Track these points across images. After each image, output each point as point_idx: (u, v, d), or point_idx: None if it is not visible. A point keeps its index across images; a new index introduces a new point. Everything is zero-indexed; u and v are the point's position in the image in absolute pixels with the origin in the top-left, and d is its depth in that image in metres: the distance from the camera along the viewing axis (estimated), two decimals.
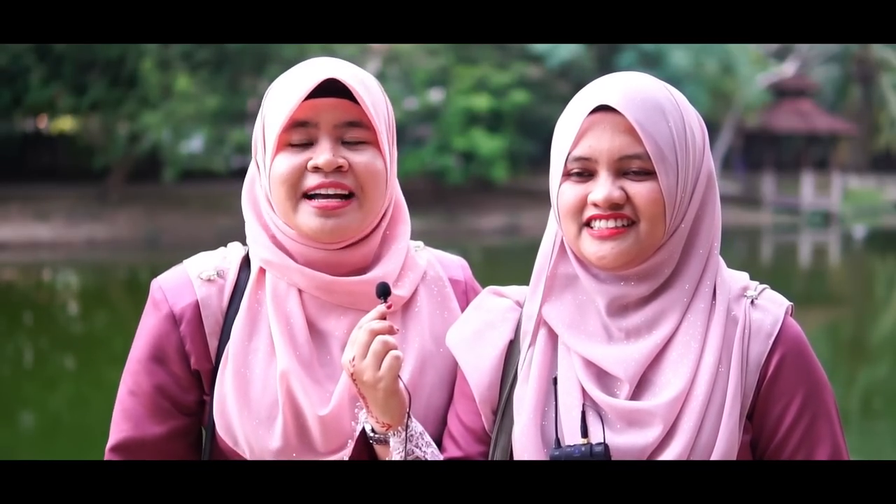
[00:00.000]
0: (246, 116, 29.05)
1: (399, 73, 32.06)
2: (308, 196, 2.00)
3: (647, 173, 1.85)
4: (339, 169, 1.99)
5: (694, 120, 1.91)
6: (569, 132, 1.88)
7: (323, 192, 1.99)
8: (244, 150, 30.38)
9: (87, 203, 28.37)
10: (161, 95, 27.44)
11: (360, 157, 2.01)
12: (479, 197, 33.80)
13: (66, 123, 32.71)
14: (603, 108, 1.86)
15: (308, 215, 2.00)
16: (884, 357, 14.16)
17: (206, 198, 28.87)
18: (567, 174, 1.89)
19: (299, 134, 1.99)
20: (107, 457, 2.07)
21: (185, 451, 2.08)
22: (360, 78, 2.02)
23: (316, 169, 1.99)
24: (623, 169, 1.86)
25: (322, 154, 1.98)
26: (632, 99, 1.85)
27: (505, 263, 19.86)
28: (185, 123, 27.91)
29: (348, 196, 2.01)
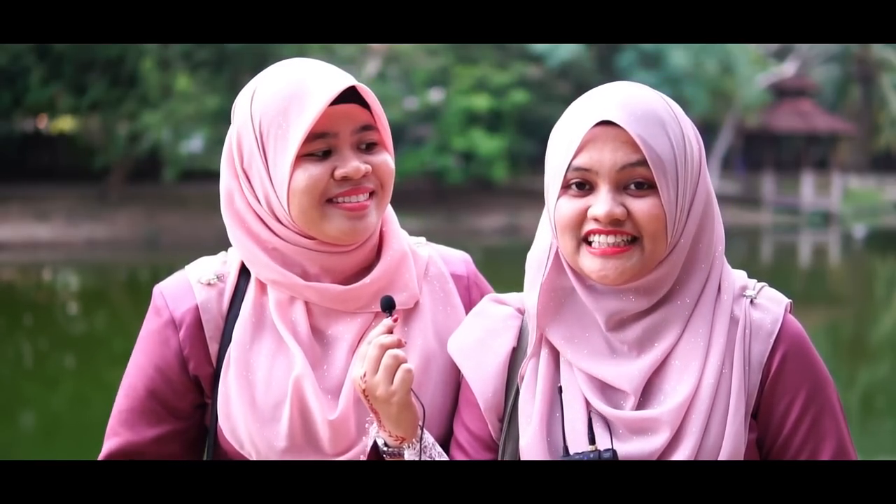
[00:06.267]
0: None
1: (399, 73, 32.06)
2: (330, 200, 2.00)
3: (648, 188, 1.84)
4: (364, 174, 2.00)
5: (691, 133, 1.90)
6: (569, 144, 1.86)
7: (354, 198, 2.00)
8: None
9: (87, 203, 28.37)
10: (161, 95, 27.44)
11: (377, 158, 2.03)
12: (479, 197, 33.80)
13: (66, 123, 32.71)
14: (603, 123, 1.84)
15: (338, 219, 2.00)
16: (884, 357, 14.16)
17: (206, 198, 28.84)
18: (566, 187, 1.87)
19: (319, 146, 1.98)
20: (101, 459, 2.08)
21: (181, 453, 2.08)
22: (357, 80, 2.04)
23: (344, 178, 1.98)
24: (624, 182, 1.84)
25: (350, 163, 1.98)
26: (632, 112, 1.83)
27: (505, 263, 19.81)
28: (185, 123, 27.92)
29: (370, 194, 2.03)
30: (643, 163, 1.82)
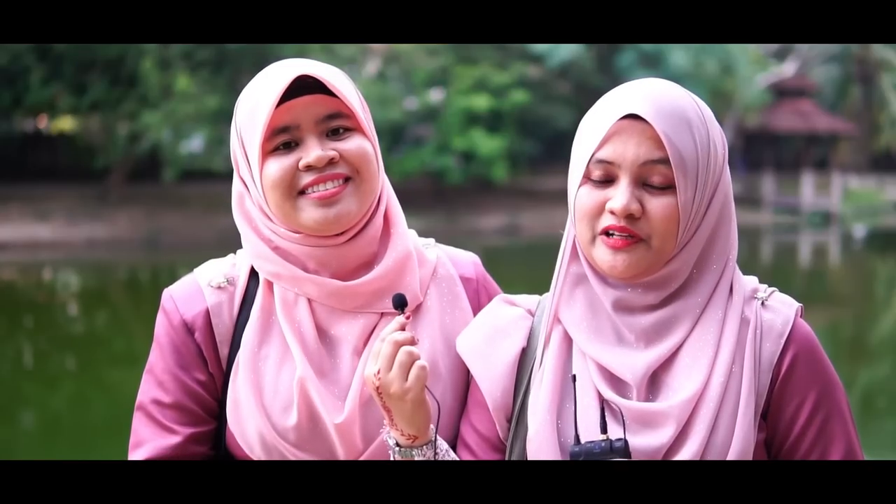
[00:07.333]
0: None
1: (399, 73, 32.05)
2: (303, 192, 2.00)
3: (666, 187, 1.85)
4: (331, 161, 2.00)
5: (717, 136, 1.92)
6: (594, 135, 1.88)
7: (322, 187, 2.00)
8: None
9: (87, 203, 28.37)
10: (161, 95, 27.45)
11: (348, 144, 2.02)
12: (479, 197, 33.79)
13: (66, 123, 32.72)
14: (630, 116, 1.86)
15: (310, 209, 2.00)
16: (884, 357, 14.16)
17: (206, 198, 28.87)
18: (587, 177, 1.89)
19: (283, 139, 2.00)
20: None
21: (209, 453, 2.06)
22: (327, 69, 2.03)
23: (308, 167, 1.99)
24: (644, 178, 1.86)
25: (311, 152, 1.99)
26: (660, 109, 1.84)
27: (505, 263, 19.84)
28: (185, 123, 27.92)
29: (344, 181, 2.01)
30: (665, 160, 1.84)
